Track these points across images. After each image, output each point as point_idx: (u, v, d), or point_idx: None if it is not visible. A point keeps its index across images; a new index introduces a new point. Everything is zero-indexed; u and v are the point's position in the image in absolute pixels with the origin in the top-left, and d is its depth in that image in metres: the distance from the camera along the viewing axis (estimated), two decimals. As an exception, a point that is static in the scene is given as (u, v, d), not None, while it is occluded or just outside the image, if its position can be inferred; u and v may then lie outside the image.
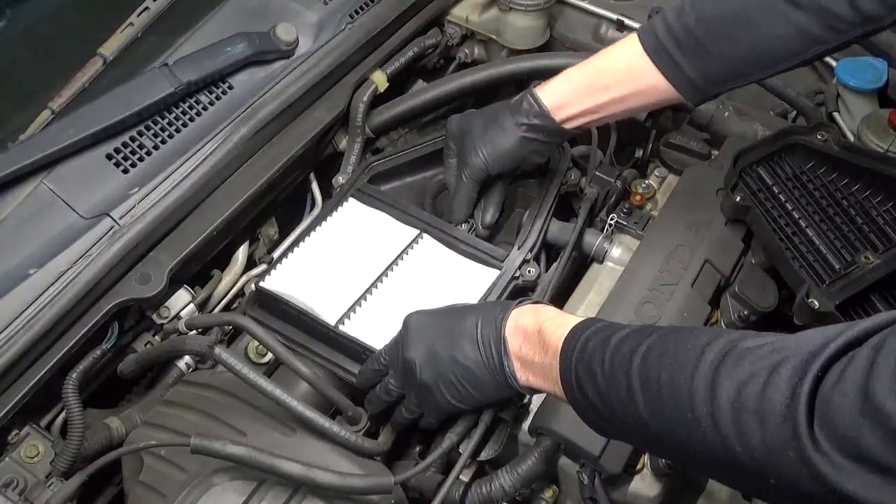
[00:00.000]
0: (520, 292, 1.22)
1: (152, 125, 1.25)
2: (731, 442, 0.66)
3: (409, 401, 1.03)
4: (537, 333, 0.90)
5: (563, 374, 0.85)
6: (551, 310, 0.94)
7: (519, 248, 1.25)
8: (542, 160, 1.30)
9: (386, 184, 1.41)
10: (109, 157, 1.21)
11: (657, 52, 1.12)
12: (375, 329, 1.13)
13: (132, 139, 1.23)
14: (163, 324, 1.21)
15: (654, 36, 1.13)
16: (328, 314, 1.16)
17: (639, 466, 1.10)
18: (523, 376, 0.92)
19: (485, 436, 1.06)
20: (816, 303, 1.17)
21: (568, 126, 1.21)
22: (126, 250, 1.15)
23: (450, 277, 1.23)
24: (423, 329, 0.99)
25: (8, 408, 1.05)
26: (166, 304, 1.21)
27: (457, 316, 0.98)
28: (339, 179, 1.41)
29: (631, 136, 1.58)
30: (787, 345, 0.67)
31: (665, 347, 0.75)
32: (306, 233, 1.27)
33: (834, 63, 1.63)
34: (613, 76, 1.16)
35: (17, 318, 1.08)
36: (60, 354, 1.09)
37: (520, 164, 1.25)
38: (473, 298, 1.18)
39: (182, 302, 1.22)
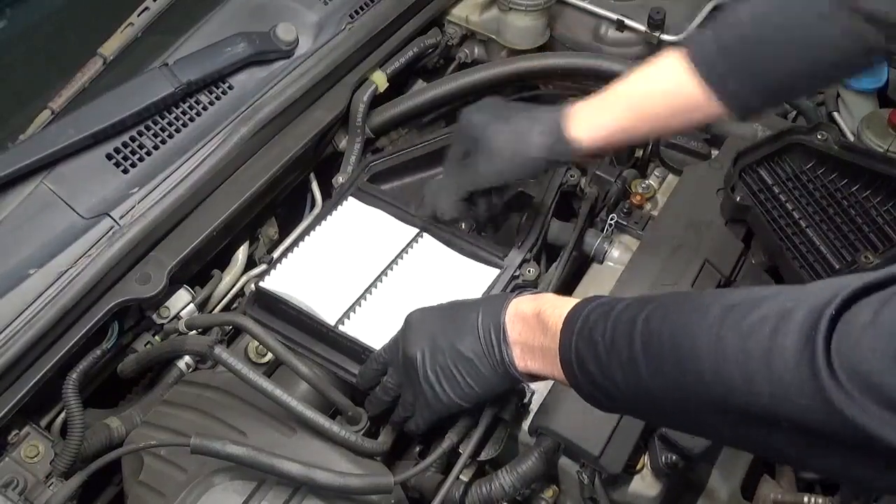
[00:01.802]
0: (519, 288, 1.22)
1: (152, 125, 1.25)
2: (738, 393, 0.64)
3: (405, 398, 1.02)
4: (536, 317, 0.89)
5: (562, 351, 0.84)
6: (551, 296, 0.93)
7: (519, 248, 1.25)
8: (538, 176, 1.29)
9: (386, 183, 1.41)
10: (109, 157, 1.21)
11: (708, 69, 1.03)
12: (375, 329, 1.13)
13: (132, 139, 1.23)
14: (163, 324, 1.21)
15: (703, 52, 1.03)
16: (328, 314, 1.16)
17: (639, 466, 1.10)
18: (522, 362, 0.91)
19: (485, 436, 1.06)
20: None
21: (591, 147, 1.12)
22: (126, 250, 1.15)
23: (450, 276, 1.23)
24: (424, 324, 0.99)
25: (8, 408, 1.05)
26: (166, 304, 1.21)
27: (459, 310, 0.98)
28: (339, 179, 1.41)
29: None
30: (794, 293, 0.65)
31: (668, 308, 0.74)
32: (306, 232, 1.27)
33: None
34: (655, 102, 1.08)
35: (17, 318, 1.08)
36: (60, 354, 1.09)
37: (524, 181, 1.25)
38: (473, 297, 1.18)
39: (182, 302, 1.22)
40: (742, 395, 0.64)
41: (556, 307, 0.87)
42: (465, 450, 1.02)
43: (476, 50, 1.68)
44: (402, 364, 1.00)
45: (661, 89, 1.07)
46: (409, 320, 1.01)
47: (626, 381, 0.76)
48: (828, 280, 0.65)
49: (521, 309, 0.92)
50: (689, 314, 0.71)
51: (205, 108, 1.30)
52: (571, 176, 1.36)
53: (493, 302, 0.95)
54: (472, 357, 0.93)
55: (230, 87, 1.33)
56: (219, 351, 1.08)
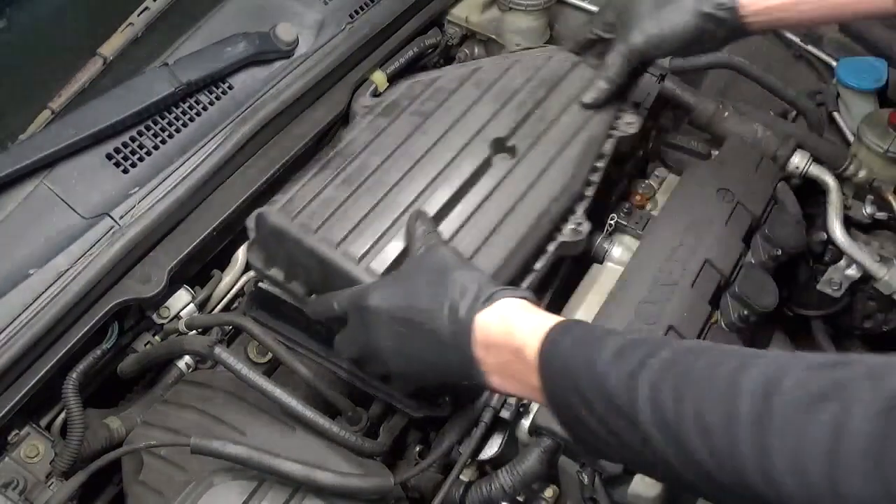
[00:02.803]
0: (566, 248, 1.15)
1: (152, 125, 1.25)
2: (794, 498, 0.56)
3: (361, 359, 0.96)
4: (512, 353, 0.80)
5: (549, 400, 0.76)
6: (516, 313, 0.82)
7: None
8: (704, 52, 1.22)
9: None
10: (109, 157, 1.21)
11: None
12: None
13: (132, 139, 1.23)
14: (163, 324, 1.21)
15: None
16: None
17: (639, 466, 1.10)
18: (501, 387, 0.84)
19: (485, 436, 1.06)
20: None
21: (750, 22, 1.08)
22: (126, 250, 1.15)
23: None
24: (392, 325, 0.89)
25: (8, 408, 1.05)
26: (166, 304, 1.21)
27: (422, 305, 0.87)
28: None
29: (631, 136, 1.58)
30: (841, 378, 0.57)
31: (681, 376, 0.65)
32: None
33: (834, 63, 1.63)
34: None
35: (17, 318, 1.08)
36: (60, 354, 1.09)
37: (680, 53, 1.18)
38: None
39: (182, 302, 1.22)
40: (797, 498, 0.57)
41: (527, 333, 0.79)
42: (465, 450, 1.02)
43: (476, 50, 1.68)
44: (367, 348, 0.93)
45: None
46: (366, 303, 0.90)
47: (634, 446, 0.68)
48: (873, 365, 0.57)
49: (491, 337, 0.82)
50: (714, 393, 0.62)
51: (205, 108, 1.30)
52: (629, 123, 1.23)
53: (457, 320, 0.83)
54: (442, 368, 0.88)
55: (230, 87, 1.33)
56: (219, 351, 1.08)
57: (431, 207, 1.06)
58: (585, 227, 1.12)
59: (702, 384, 0.63)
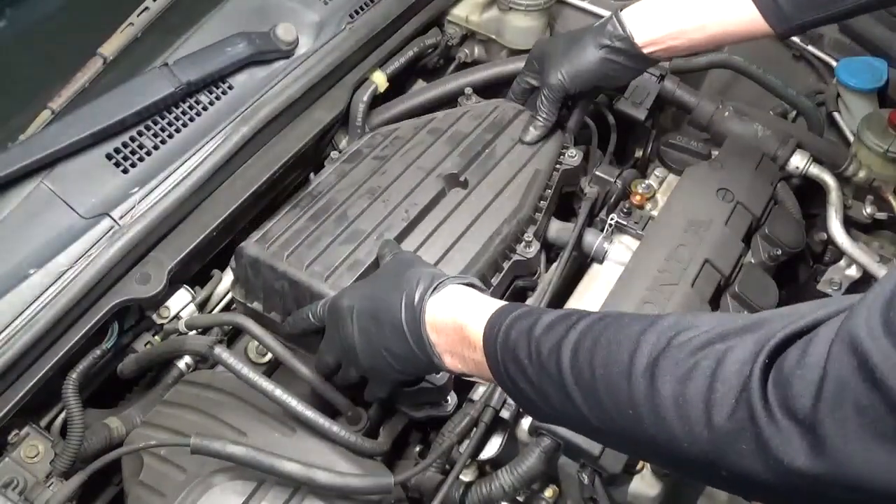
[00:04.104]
0: (519, 266, 1.23)
1: (152, 125, 1.25)
2: (678, 438, 0.65)
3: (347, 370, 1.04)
4: (457, 331, 0.87)
5: (493, 370, 0.83)
6: (465, 298, 0.90)
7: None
8: (620, 83, 1.37)
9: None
10: (109, 157, 1.21)
11: None
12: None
13: (132, 139, 1.23)
14: (163, 324, 1.21)
15: None
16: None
17: (639, 466, 1.10)
18: (453, 366, 0.90)
19: (485, 436, 1.06)
20: None
21: (649, 51, 1.22)
22: (126, 250, 1.15)
23: None
24: (360, 318, 0.96)
25: (8, 408, 1.05)
26: (166, 304, 1.21)
27: (383, 304, 0.94)
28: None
29: (631, 136, 1.59)
30: (727, 331, 0.65)
31: (595, 339, 0.73)
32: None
33: (834, 63, 1.63)
34: (701, 2, 1.16)
35: (17, 318, 1.08)
36: (60, 354, 1.10)
37: (598, 84, 1.29)
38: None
39: (182, 302, 1.22)
40: (682, 440, 0.64)
41: (473, 317, 0.86)
42: (465, 450, 1.02)
43: (476, 50, 1.68)
44: (341, 346, 1.00)
45: None
46: (339, 304, 0.99)
47: (564, 407, 0.76)
48: (761, 318, 0.65)
49: (438, 319, 0.89)
50: (620, 353, 0.70)
51: (205, 108, 1.30)
52: (571, 156, 1.35)
53: (412, 307, 0.91)
54: (405, 356, 0.93)
55: (230, 87, 1.33)
56: (219, 351, 1.08)
57: (391, 233, 1.18)
58: (535, 246, 1.23)
59: (612, 346, 0.71)
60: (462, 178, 1.27)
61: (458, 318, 0.88)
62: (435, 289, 0.91)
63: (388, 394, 1.03)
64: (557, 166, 1.33)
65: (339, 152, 1.43)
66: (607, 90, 1.41)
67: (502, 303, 0.88)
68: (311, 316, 1.05)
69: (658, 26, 1.20)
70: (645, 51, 1.22)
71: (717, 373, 0.63)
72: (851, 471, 0.54)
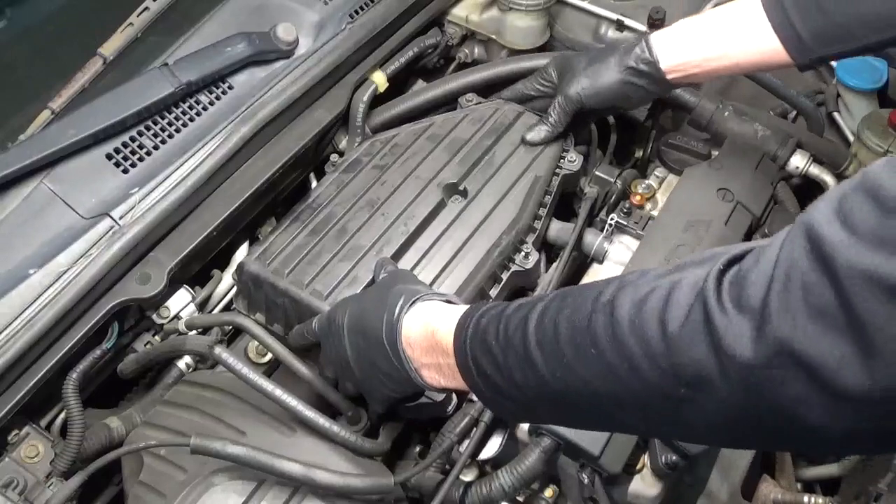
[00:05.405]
0: (518, 277, 1.22)
1: (152, 125, 1.25)
2: (637, 364, 0.65)
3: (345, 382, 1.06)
4: (428, 339, 0.88)
5: (458, 357, 0.84)
6: (437, 309, 0.91)
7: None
8: (635, 106, 1.36)
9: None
10: (109, 157, 1.21)
11: (772, 6, 1.11)
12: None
13: (132, 139, 1.23)
14: (163, 324, 1.21)
15: None
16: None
17: (639, 466, 1.10)
18: (435, 382, 0.91)
19: (485, 436, 1.06)
20: None
21: (671, 77, 1.22)
22: (126, 250, 1.15)
23: None
24: (348, 330, 0.98)
25: (8, 408, 1.05)
26: (166, 304, 1.21)
27: (368, 323, 0.95)
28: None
29: (631, 136, 1.59)
30: (685, 264, 0.68)
31: (562, 302, 0.75)
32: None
33: (834, 63, 1.63)
34: (725, 31, 1.17)
35: (17, 318, 1.08)
36: (60, 354, 1.10)
37: (615, 104, 1.29)
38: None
39: (182, 302, 1.22)
40: (641, 365, 0.65)
41: (445, 322, 0.87)
42: (465, 450, 1.02)
43: (476, 50, 1.68)
44: (337, 361, 1.01)
45: (730, 19, 1.16)
46: (333, 319, 1.00)
47: (526, 380, 0.76)
48: (705, 253, 0.68)
49: (412, 333, 0.90)
50: (585, 298, 0.73)
51: (205, 108, 1.30)
52: (571, 161, 1.34)
53: (390, 324, 0.92)
54: (390, 373, 0.93)
55: (230, 87, 1.33)
56: (219, 351, 1.08)
57: (390, 248, 1.19)
58: (534, 256, 1.23)
59: (577, 298, 0.74)
60: (461, 188, 1.27)
61: (429, 324, 0.89)
62: (412, 304, 0.92)
63: (387, 409, 1.03)
64: (557, 171, 1.32)
65: (339, 154, 1.43)
66: (622, 110, 1.41)
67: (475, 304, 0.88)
68: (306, 333, 1.07)
69: (683, 52, 1.20)
70: (668, 76, 1.22)
71: (673, 291, 0.65)
72: (787, 347, 0.56)
